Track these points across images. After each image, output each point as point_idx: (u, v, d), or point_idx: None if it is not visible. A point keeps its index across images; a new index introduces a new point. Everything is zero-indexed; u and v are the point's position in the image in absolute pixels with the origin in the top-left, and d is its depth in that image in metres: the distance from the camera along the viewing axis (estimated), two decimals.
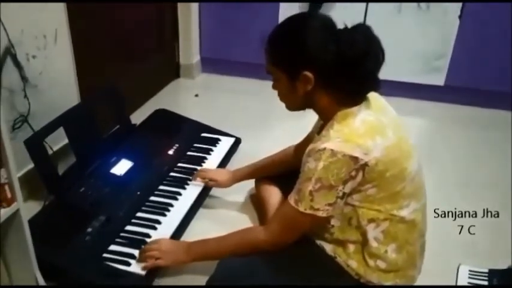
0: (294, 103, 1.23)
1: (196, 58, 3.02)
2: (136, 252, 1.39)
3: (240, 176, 1.73)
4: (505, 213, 1.83)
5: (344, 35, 1.11)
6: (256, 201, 1.76)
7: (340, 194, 1.11)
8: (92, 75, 2.06)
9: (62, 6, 1.80)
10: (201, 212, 1.70)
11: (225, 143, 2.10)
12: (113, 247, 1.42)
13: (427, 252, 1.32)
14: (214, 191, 1.81)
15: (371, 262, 1.18)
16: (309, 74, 1.13)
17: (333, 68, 1.11)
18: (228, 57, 2.97)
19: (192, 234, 1.53)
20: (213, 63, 3.05)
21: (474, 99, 2.76)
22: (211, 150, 2.02)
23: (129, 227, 1.51)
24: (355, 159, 1.07)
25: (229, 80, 2.99)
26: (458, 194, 1.98)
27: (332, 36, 1.11)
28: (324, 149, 1.07)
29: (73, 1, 1.82)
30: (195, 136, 2.10)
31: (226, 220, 1.73)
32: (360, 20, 2.63)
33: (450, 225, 1.71)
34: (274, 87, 1.24)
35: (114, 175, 1.71)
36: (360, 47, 1.09)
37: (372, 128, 1.12)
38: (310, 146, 1.13)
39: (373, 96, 1.21)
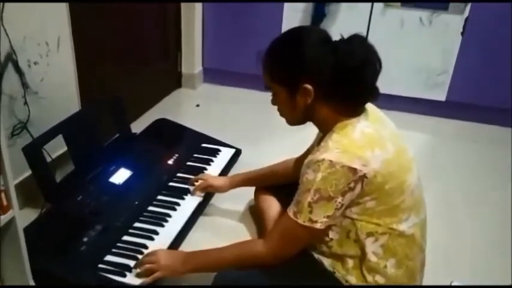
0: (295, 117, 1.24)
1: (198, 68, 3.03)
2: (132, 263, 1.37)
3: (237, 182, 1.73)
4: (504, 230, 1.82)
5: (342, 46, 1.12)
6: (255, 213, 1.75)
7: (339, 205, 1.10)
8: (94, 83, 2.06)
9: (65, 13, 1.80)
10: (200, 221, 1.69)
11: (225, 154, 2.08)
12: (108, 257, 1.40)
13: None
14: (214, 201, 1.80)
15: (369, 278, 1.17)
16: (308, 86, 1.13)
17: (332, 79, 1.12)
18: (230, 68, 2.98)
19: (191, 245, 1.51)
20: (215, 73, 3.06)
21: (475, 115, 2.76)
22: (211, 161, 2.00)
23: (126, 237, 1.49)
24: (354, 170, 1.06)
25: (231, 91, 2.99)
26: (458, 209, 1.97)
27: (330, 47, 1.12)
28: (323, 160, 1.07)
29: (75, 1, 1.82)
30: (195, 146, 2.09)
31: (225, 230, 1.71)
32: (363, 34, 2.65)
33: (445, 239, 1.71)
34: (273, 102, 1.25)
35: (112, 184, 1.70)
36: (358, 57, 1.10)
37: (371, 139, 1.12)
38: (309, 157, 1.13)
39: (371, 108, 1.22)
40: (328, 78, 1.12)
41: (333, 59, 1.10)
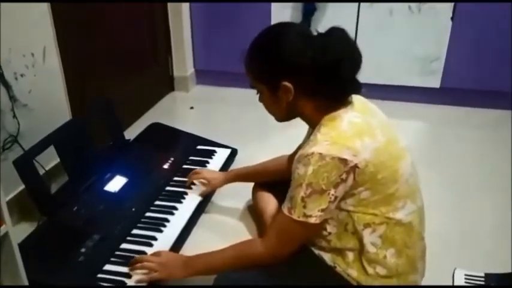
0: (280, 114, 1.24)
1: (190, 70, 3.01)
2: (132, 272, 1.35)
3: (231, 176, 1.75)
4: (505, 213, 1.81)
5: (317, 42, 1.11)
6: (254, 211, 1.74)
7: (332, 198, 1.09)
8: (84, 91, 2.05)
9: (49, 22, 1.79)
10: (201, 219, 1.69)
11: (221, 155, 2.07)
12: (108, 267, 1.38)
13: None
14: (214, 198, 1.81)
15: (370, 269, 1.16)
16: (288, 84, 1.13)
17: (310, 76, 1.11)
18: (221, 68, 2.96)
19: (191, 243, 1.52)
20: (207, 75, 3.04)
21: (471, 100, 2.74)
22: (207, 163, 1.99)
23: (124, 245, 1.48)
24: (344, 161, 1.05)
25: (224, 91, 2.98)
26: (459, 195, 1.95)
27: (307, 44, 1.11)
28: (312, 153, 1.06)
29: (57, 1, 1.80)
30: (190, 149, 2.08)
31: (226, 228, 1.72)
32: (353, 25, 2.64)
33: (447, 227, 1.70)
34: (259, 100, 1.25)
35: (108, 192, 1.68)
36: (334, 52, 1.09)
37: (359, 129, 1.11)
38: (299, 152, 1.12)
39: (360, 100, 1.20)
40: (306, 75, 1.11)
41: (309, 55, 1.10)
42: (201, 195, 1.75)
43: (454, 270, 1.50)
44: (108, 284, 1.32)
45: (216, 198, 1.82)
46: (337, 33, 1.11)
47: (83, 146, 1.77)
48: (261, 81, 1.19)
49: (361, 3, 2.60)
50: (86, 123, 1.84)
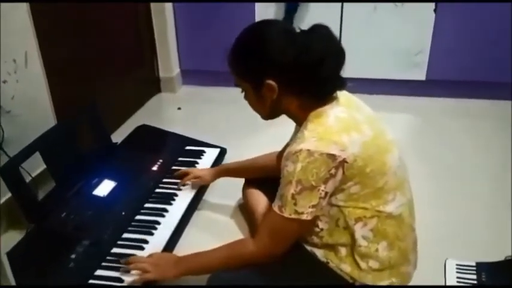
0: (266, 112, 1.23)
1: (176, 71, 2.99)
2: (124, 276, 1.34)
3: (221, 171, 1.77)
4: (495, 202, 1.83)
5: (300, 40, 1.11)
6: (245, 210, 1.74)
7: (323, 194, 1.09)
8: (68, 95, 2.02)
9: (30, 27, 1.76)
10: (192, 220, 1.69)
11: (210, 155, 2.06)
12: (99, 272, 1.37)
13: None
14: (206, 196, 1.83)
15: (363, 264, 1.16)
16: (271, 82, 1.13)
17: (293, 74, 1.11)
18: (207, 67, 2.94)
19: (184, 240, 1.52)
20: (193, 75, 3.03)
21: (457, 90, 2.77)
22: (197, 163, 1.98)
23: (115, 250, 1.46)
24: (333, 156, 1.05)
25: (211, 91, 2.96)
26: (449, 186, 1.97)
27: (290, 42, 1.11)
28: (300, 150, 1.06)
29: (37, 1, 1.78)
30: (179, 150, 2.06)
31: (218, 228, 1.72)
32: (337, 20, 2.64)
33: (437, 218, 1.71)
34: (245, 98, 1.25)
35: (97, 197, 1.66)
36: (317, 50, 1.08)
37: (346, 124, 1.11)
38: (287, 150, 1.11)
39: (345, 95, 1.21)
40: (289, 73, 1.11)
41: (292, 53, 1.09)
42: (193, 188, 1.77)
43: (446, 261, 1.51)
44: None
45: (208, 195, 1.83)
46: (320, 31, 1.11)
47: (69, 151, 1.74)
48: (245, 80, 1.19)
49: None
50: (72, 128, 1.82)
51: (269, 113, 1.23)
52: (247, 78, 1.18)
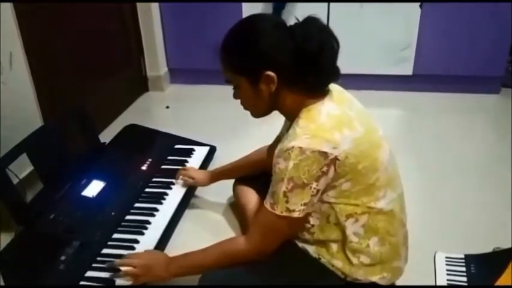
0: (260, 108, 1.21)
1: (163, 70, 2.98)
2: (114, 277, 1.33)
3: (217, 175, 1.75)
4: (483, 195, 1.85)
5: (298, 30, 1.10)
6: (236, 208, 1.74)
7: (314, 191, 1.09)
8: (55, 97, 2.00)
9: (14, 28, 1.74)
10: (183, 218, 1.69)
11: (200, 153, 2.05)
12: (90, 273, 1.35)
13: None
14: (197, 193, 1.83)
15: (354, 259, 1.16)
16: (271, 73, 1.11)
17: (293, 64, 1.10)
18: (195, 66, 2.93)
19: (174, 246, 1.51)
20: (181, 73, 3.01)
21: (443, 85, 2.79)
22: (186, 162, 1.97)
23: (105, 250, 1.45)
24: (325, 154, 1.05)
25: (199, 89, 2.95)
26: (438, 180, 1.99)
27: (286, 32, 1.11)
28: (292, 147, 1.06)
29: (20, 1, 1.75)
30: (168, 149, 2.05)
31: (210, 226, 1.72)
32: (323, 16, 2.65)
33: (426, 212, 1.72)
34: (235, 96, 1.22)
35: (85, 197, 1.65)
36: (316, 39, 1.08)
37: (338, 121, 1.11)
38: (279, 147, 1.11)
39: (337, 90, 1.20)
40: (289, 64, 1.10)
41: (291, 43, 1.09)
42: (184, 186, 1.77)
43: (435, 254, 1.53)
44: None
45: (199, 193, 1.83)
46: (314, 22, 1.11)
47: (56, 152, 1.72)
48: (240, 74, 1.16)
49: None
50: (59, 128, 1.80)
51: (264, 108, 1.20)
52: (244, 72, 1.15)
